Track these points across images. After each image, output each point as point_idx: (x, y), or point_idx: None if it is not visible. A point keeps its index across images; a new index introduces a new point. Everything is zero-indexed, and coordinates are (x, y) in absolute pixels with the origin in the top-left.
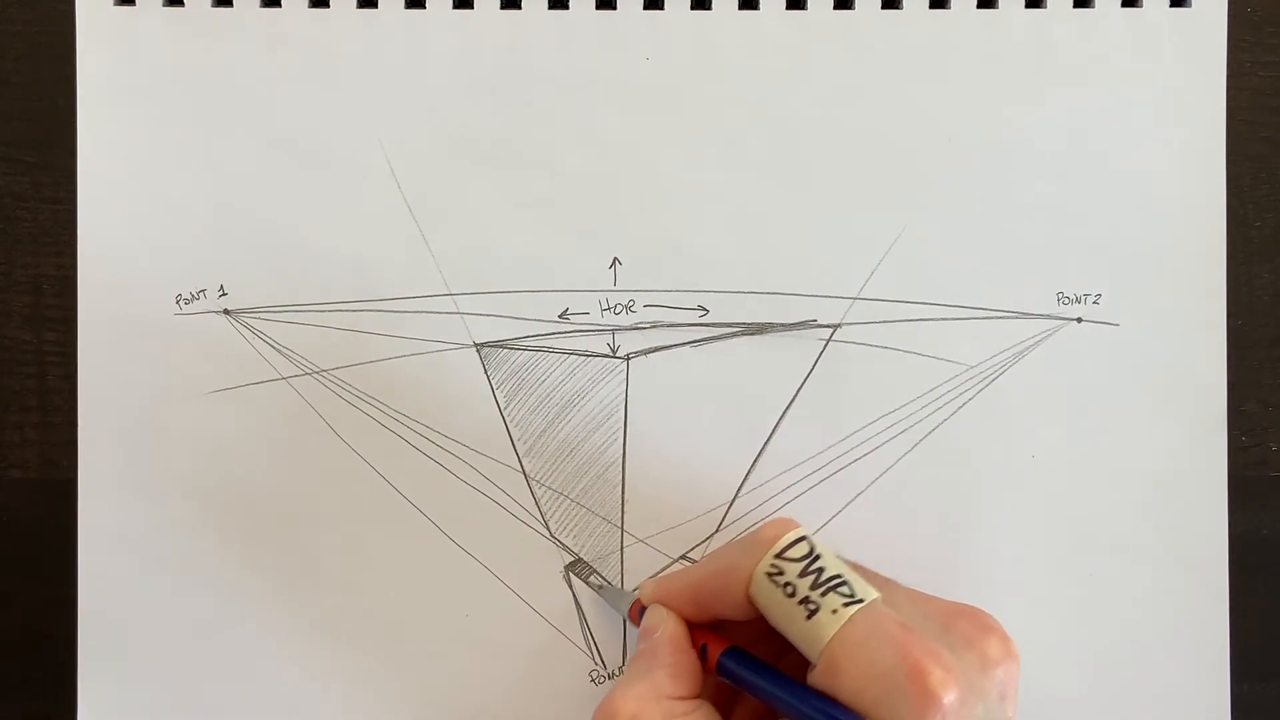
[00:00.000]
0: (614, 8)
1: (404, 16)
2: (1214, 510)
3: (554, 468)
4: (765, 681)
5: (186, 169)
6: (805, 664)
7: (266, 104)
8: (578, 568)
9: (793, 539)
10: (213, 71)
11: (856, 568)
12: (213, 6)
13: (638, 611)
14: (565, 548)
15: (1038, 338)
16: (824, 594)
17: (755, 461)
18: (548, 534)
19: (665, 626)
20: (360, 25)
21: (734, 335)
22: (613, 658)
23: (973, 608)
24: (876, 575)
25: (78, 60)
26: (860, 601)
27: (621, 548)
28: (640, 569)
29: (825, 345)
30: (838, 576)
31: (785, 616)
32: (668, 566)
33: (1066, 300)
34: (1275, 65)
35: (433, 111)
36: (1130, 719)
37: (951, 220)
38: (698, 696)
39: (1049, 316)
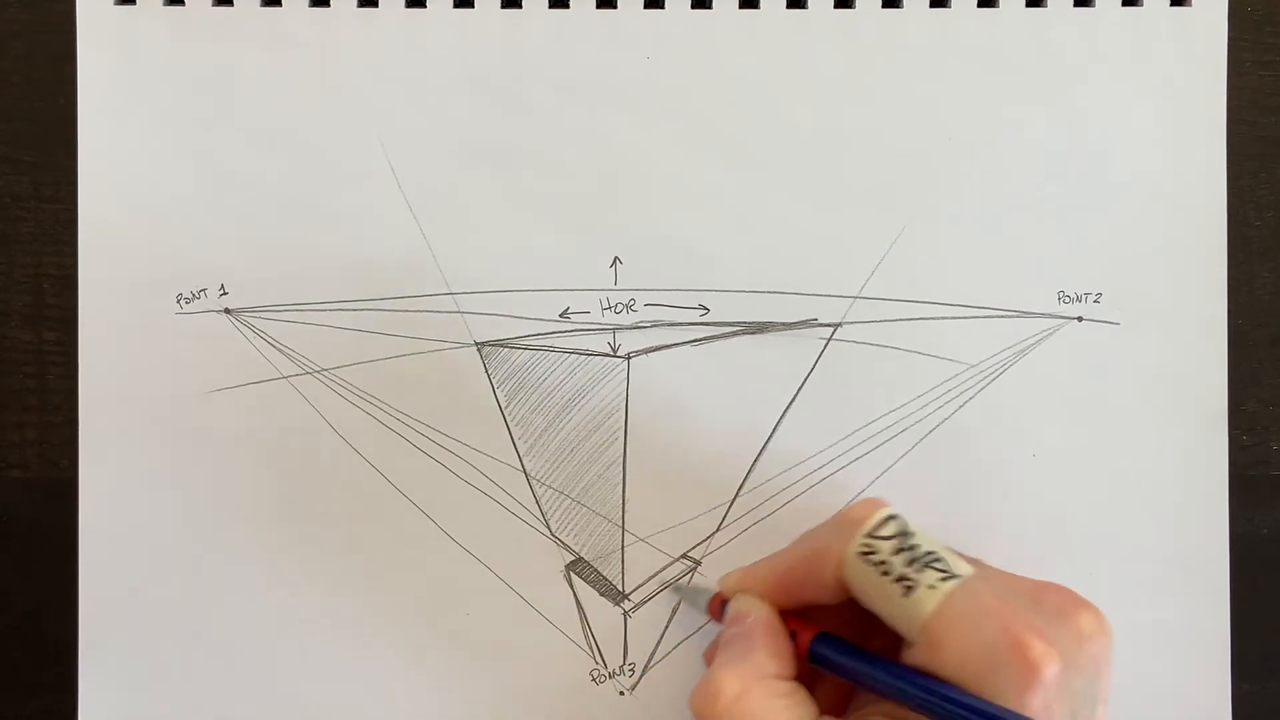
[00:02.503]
0: (614, 7)
1: (404, 16)
2: (1214, 510)
3: (555, 467)
4: (862, 664)
5: (186, 169)
6: (889, 647)
7: (267, 104)
8: (578, 567)
9: (884, 516)
10: (213, 71)
11: (947, 547)
12: (213, 6)
13: (719, 605)
14: (566, 547)
15: (1038, 337)
16: (920, 570)
17: (755, 461)
18: (548, 533)
19: (758, 611)
20: (360, 25)
21: (734, 334)
22: (613, 657)
23: (1060, 585)
24: (964, 554)
25: (78, 60)
26: (957, 577)
27: (622, 547)
28: (641, 568)
29: (826, 344)
30: (932, 553)
31: (880, 595)
32: (668, 566)
33: (1067, 299)
34: (1275, 65)
35: (433, 111)
36: (1130, 719)
37: (951, 220)
38: (796, 679)
39: (1049, 315)
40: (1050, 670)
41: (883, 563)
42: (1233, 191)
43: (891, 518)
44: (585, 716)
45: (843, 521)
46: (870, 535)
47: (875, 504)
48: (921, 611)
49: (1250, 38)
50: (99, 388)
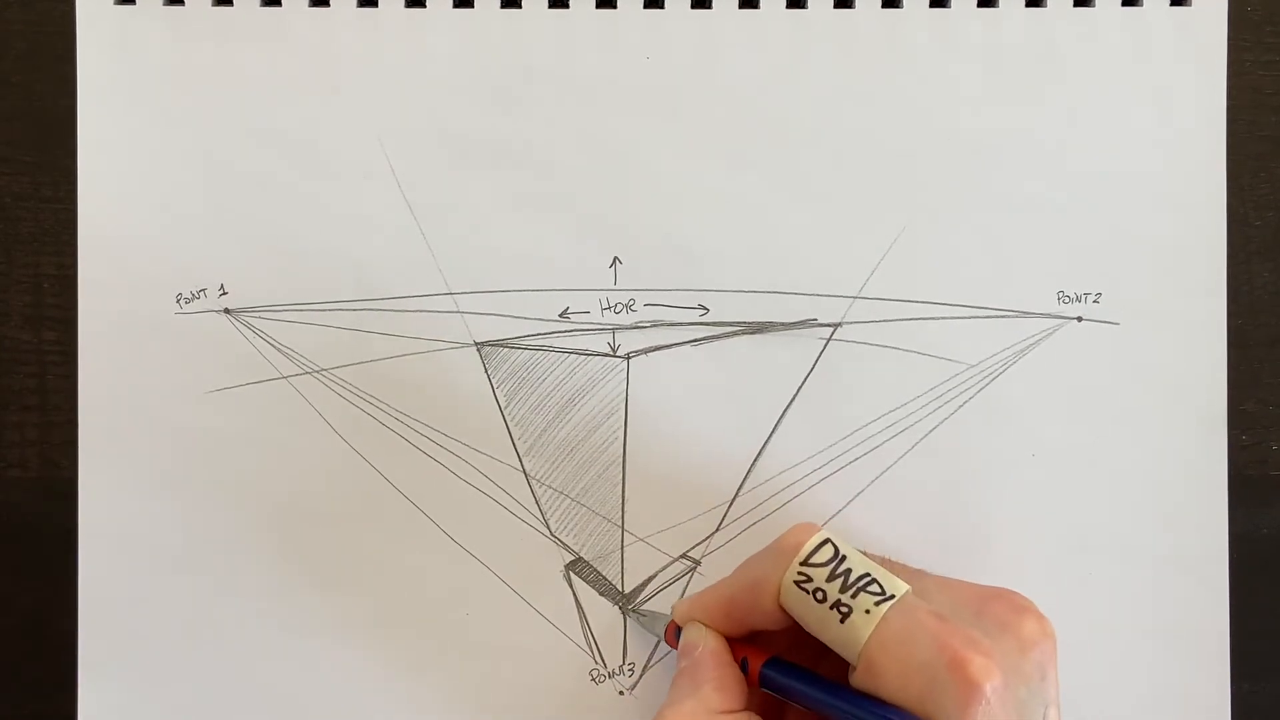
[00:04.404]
0: (614, 8)
1: (404, 16)
2: (1214, 510)
3: (554, 467)
4: (809, 688)
5: (186, 169)
6: (846, 665)
7: (266, 104)
8: (578, 567)
9: (816, 544)
10: (213, 71)
11: (884, 561)
12: (213, 6)
13: (674, 632)
14: (565, 547)
15: (1038, 337)
16: (854, 595)
17: (755, 461)
18: (548, 533)
19: (705, 642)
20: (360, 25)
21: (734, 334)
22: (613, 658)
23: (1004, 589)
24: (904, 567)
25: (78, 60)
26: (891, 598)
27: (622, 547)
28: (640, 568)
29: (826, 344)
30: (865, 575)
31: (819, 622)
32: (668, 566)
33: (1067, 299)
34: (1275, 65)
35: (433, 111)
36: (1130, 719)
37: (951, 220)
38: (745, 709)
39: (1049, 315)
40: (990, 684)
41: (818, 590)
42: (1233, 191)
43: (824, 543)
44: (585, 716)
45: (778, 550)
46: (804, 563)
47: (808, 530)
48: (858, 637)
49: (1250, 38)
50: (99, 388)
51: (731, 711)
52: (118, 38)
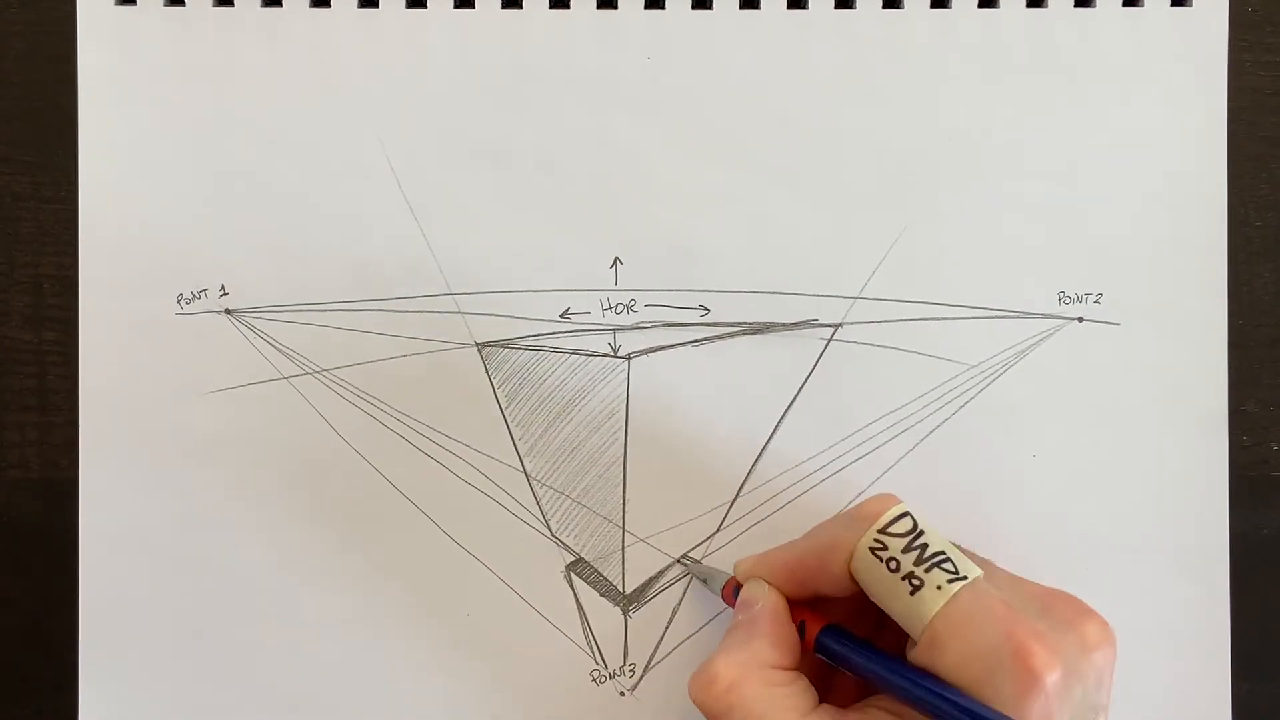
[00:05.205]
0: (614, 7)
1: (404, 16)
2: (1214, 510)
3: (555, 467)
4: (865, 659)
5: (187, 169)
6: (901, 641)
7: (267, 104)
8: (579, 568)
9: (897, 514)
10: (213, 71)
11: (957, 546)
12: (213, 6)
13: (732, 590)
14: (566, 547)
15: (1038, 337)
16: (928, 570)
17: (756, 461)
18: (549, 534)
19: (766, 599)
20: (360, 25)
21: (735, 335)
22: (614, 658)
23: (1068, 593)
24: (974, 554)
25: (78, 60)
26: (964, 579)
27: (623, 547)
28: (641, 568)
29: (826, 345)
30: (941, 553)
31: (888, 592)
32: (668, 566)
33: (1067, 300)
34: (1275, 65)
35: (433, 111)
36: (1130, 719)
37: (951, 220)
38: (796, 669)
39: (1050, 316)
40: (1051, 678)
41: (892, 559)
42: (1233, 191)
43: (904, 515)
44: (585, 717)
45: (856, 515)
46: (882, 531)
47: (889, 500)
48: (926, 611)
49: (1250, 38)
50: (99, 388)
51: (784, 668)
52: (118, 38)
